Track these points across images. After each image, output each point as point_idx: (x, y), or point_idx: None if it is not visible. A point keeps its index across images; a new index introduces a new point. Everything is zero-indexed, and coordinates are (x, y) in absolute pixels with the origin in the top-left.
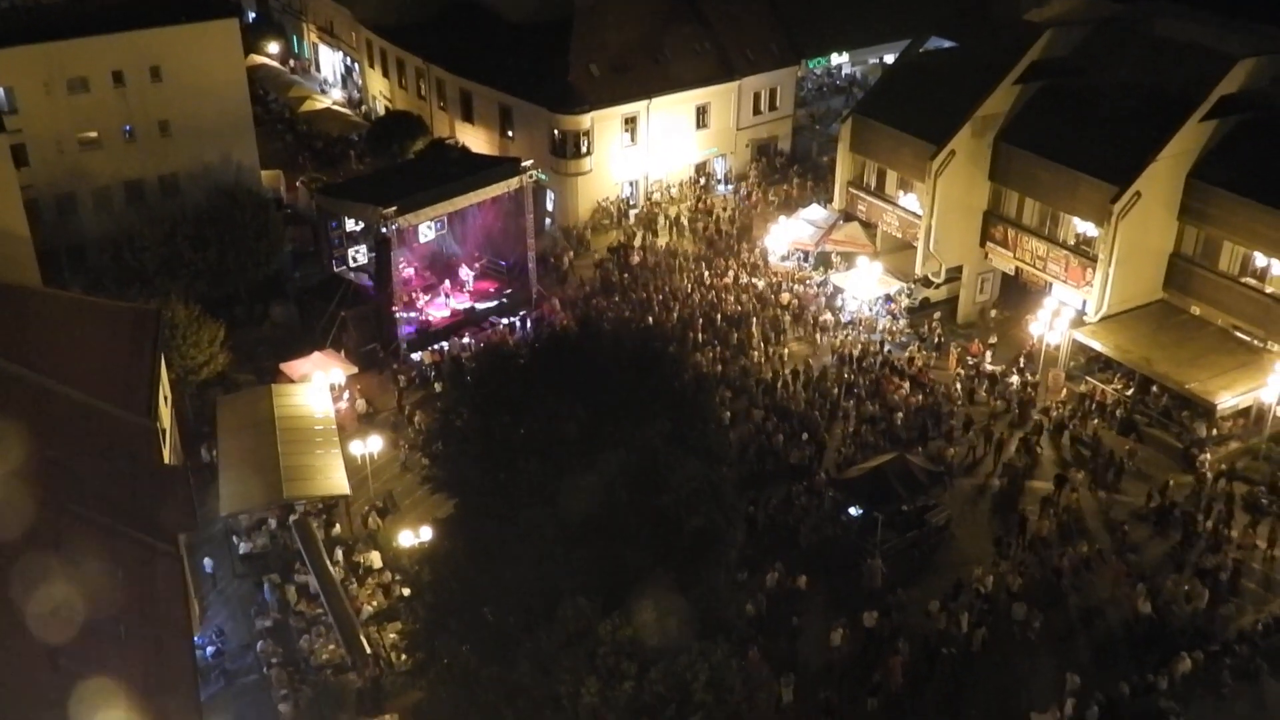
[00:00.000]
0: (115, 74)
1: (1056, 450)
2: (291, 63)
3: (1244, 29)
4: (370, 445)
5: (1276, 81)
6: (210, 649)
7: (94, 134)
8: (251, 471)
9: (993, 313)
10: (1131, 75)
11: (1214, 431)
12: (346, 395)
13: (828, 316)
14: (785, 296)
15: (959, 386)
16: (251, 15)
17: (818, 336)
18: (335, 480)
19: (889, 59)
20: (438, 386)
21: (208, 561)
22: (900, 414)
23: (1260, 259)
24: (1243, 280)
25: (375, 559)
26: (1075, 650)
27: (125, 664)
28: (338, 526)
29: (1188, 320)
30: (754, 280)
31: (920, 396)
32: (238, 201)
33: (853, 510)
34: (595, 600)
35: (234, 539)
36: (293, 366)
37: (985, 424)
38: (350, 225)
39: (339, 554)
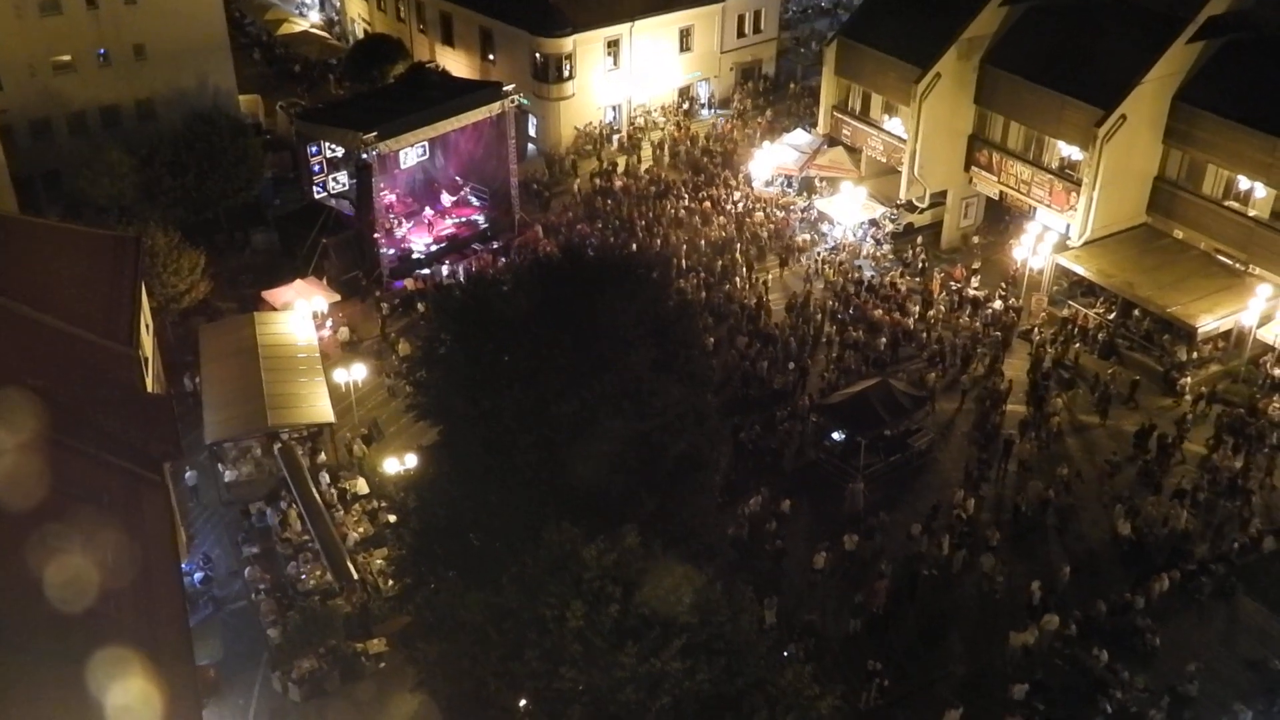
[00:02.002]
0: None
1: (1038, 374)
2: None
3: None
4: (354, 373)
5: (1263, 2)
6: (198, 575)
7: (67, 58)
8: (235, 400)
9: (976, 238)
10: None
11: (1194, 355)
12: (329, 323)
13: (810, 240)
14: (767, 220)
15: (941, 309)
16: None
17: (802, 262)
18: (320, 408)
19: None
20: (420, 307)
21: (194, 489)
22: (884, 338)
23: (1244, 182)
24: (1226, 204)
25: (361, 485)
26: (1053, 572)
27: (113, 591)
28: (323, 454)
29: (1170, 244)
30: (737, 206)
31: (898, 317)
32: (216, 126)
33: (836, 435)
34: (580, 524)
35: (220, 467)
36: (275, 294)
37: (967, 348)
38: (330, 151)
39: (325, 481)
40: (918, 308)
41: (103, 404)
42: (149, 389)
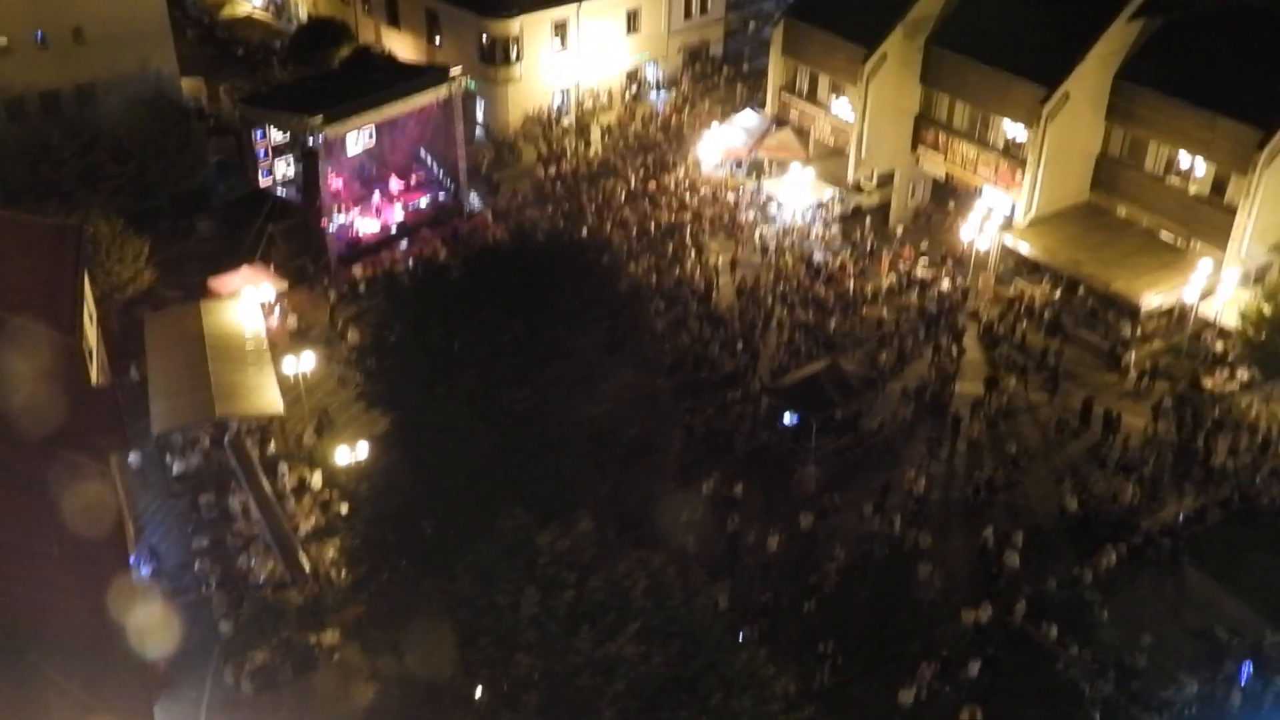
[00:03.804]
0: None
1: (987, 353)
2: None
3: None
4: (303, 362)
5: None
6: (146, 568)
7: (3, 40)
8: (182, 389)
9: (935, 215)
10: None
11: (1139, 331)
12: (278, 311)
13: (759, 222)
14: (715, 203)
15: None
16: None
17: (752, 244)
18: (269, 398)
19: None
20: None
21: (140, 472)
22: (833, 318)
23: (1184, 159)
24: (1167, 180)
25: (315, 477)
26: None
27: (61, 586)
28: (273, 444)
29: (1114, 222)
30: (686, 189)
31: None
32: (159, 111)
33: (787, 417)
34: (534, 510)
35: (167, 458)
36: (221, 282)
37: (916, 328)
38: (276, 136)
39: (282, 471)
40: (867, 286)
41: (46, 395)
42: (94, 379)
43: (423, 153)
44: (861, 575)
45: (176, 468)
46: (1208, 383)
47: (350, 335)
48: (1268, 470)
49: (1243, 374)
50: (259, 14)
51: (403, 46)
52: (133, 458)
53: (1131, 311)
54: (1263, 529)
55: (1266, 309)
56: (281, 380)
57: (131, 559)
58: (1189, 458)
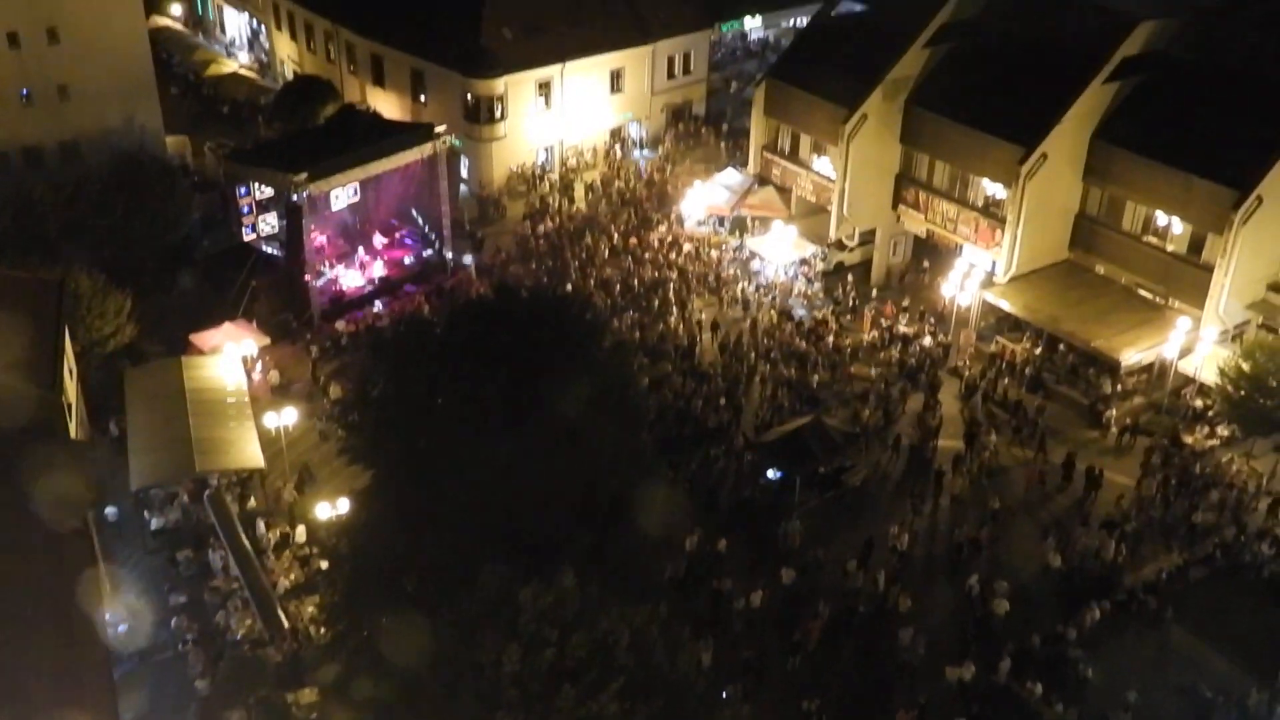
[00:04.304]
0: (10, 35)
1: (968, 409)
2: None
3: None
4: (284, 417)
5: (1176, 42)
6: (122, 626)
7: None
8: (162, 445)
9: (910, 275)
10: (1037, 36)
11: (1119, 388)
12: (259, 366)
13: (742, 279)
14: (698, 259)
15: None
16: None
17: (735, 300)
18: (249, 453)
19: (802, 22)
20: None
21: (116, 525)
22: (816, 374)
23: (1161, 218)
24: (1144, 239)
25: (298, 532)
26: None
27: (35, 643)
28: (253, 500)
29: (1093, 279)
30: (669, 246)
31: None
32: (142, 167)
33: (771, 472)
34: (516, 566)
35: (146, 514)
36: (203, 338)
37: (898, 386)
38: (260, 192)
39: (260, 527)
40: (850, 342)
41: (23, 451)
42: (72, 435)
43: (408, 209)
44: (845, 632)
45: (155, 523)
46: (1188, 439)
47: (332, 390)
48: (1250, 527)
49: (1223, 430)
50: (245, 71)
51: (388, 105)
52: (110, 512)
53: (1111, 368)
54: (1246, 585)
55: (1246, 366)
56: (262, 435)
57: (107, 616)
58: (1171, 514)
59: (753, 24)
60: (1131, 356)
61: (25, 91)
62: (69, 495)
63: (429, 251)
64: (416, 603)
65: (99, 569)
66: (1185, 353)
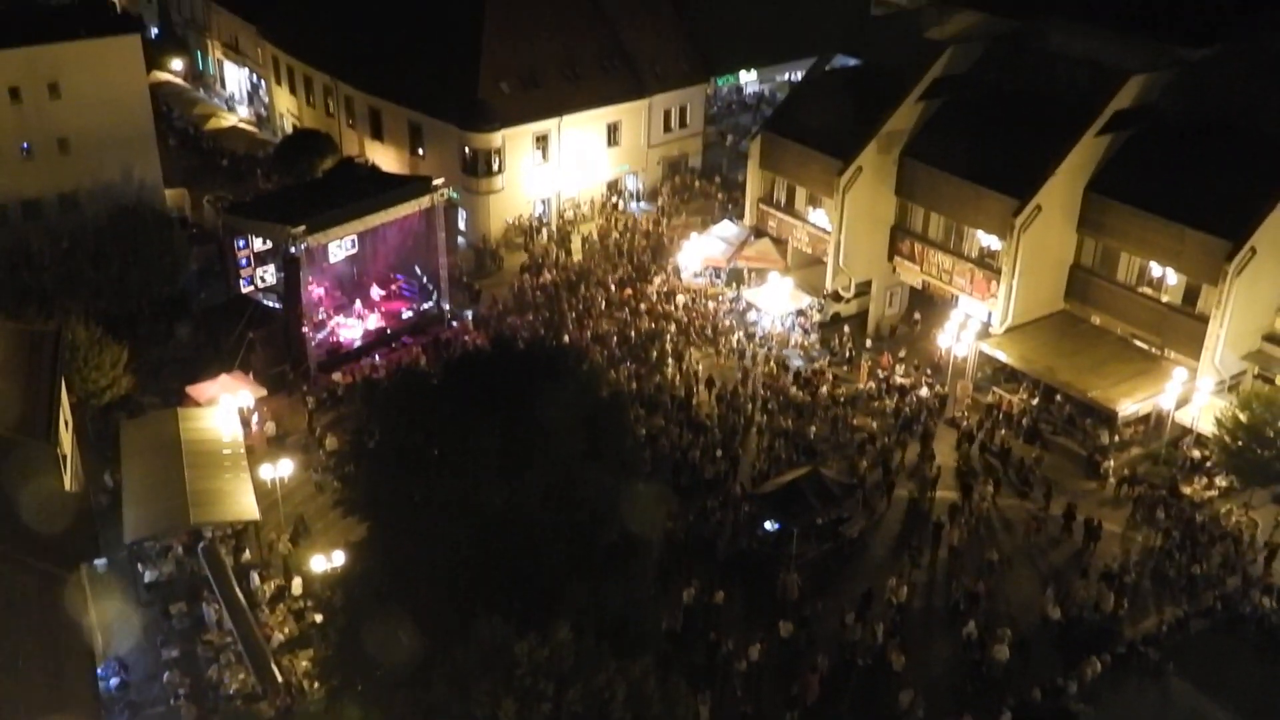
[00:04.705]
0: (12, 90)
1: (965, 460)
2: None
3: (1135, 43)
4: (280, 468)
5: (1166, 95)
6: (114, 680)
7: None
8: (156, 497)
9: (901, 327)
10: (1030, 90)
11: (1116, 438)
12: (256, 417)
13: (739, 330)
14: (695, 311)
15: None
16: (154, 31)
17: (732, 351)
18: (244, 505)
19: (796, 76)
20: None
21: (111, 588)
22: (813, 427)
23: (1155, 268)
24: (1139, 290)
25: (293, 585)
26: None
27: (25, 697)
28: (247, 552)
29: (1089, 330)
30: (666, 297)
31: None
32: (140, 219)
33: (768, 524)
34: (511, 618)
35: (139, 566)
36: (199, 389)
37: (895, 436)
38: (258, 244)
39: (254, 579)
40: (847, 392)
41: (18, 502)
42: (67, 486)
43: (405, 261)
44: (844, 686)
45: (148, 576)
46: (1187, 490)
47: (328, 441)
48: (1250, 578)
49: (1221, 481)
50: (244, 125)
51: (386, 158)
52: (99, 564)
53: (1108, 418)
54: (1246, 637)
55: (1243, 416)
56: (258, 486)
57: (99, 669)
58: (1171, 566)
59: (748, 78)
60: (1128, 407)
61: (25, 145)
62: (62, 548)
63: (427, 304)
64: (411, 656)
65: (91, 622)
66: (1182, 403)
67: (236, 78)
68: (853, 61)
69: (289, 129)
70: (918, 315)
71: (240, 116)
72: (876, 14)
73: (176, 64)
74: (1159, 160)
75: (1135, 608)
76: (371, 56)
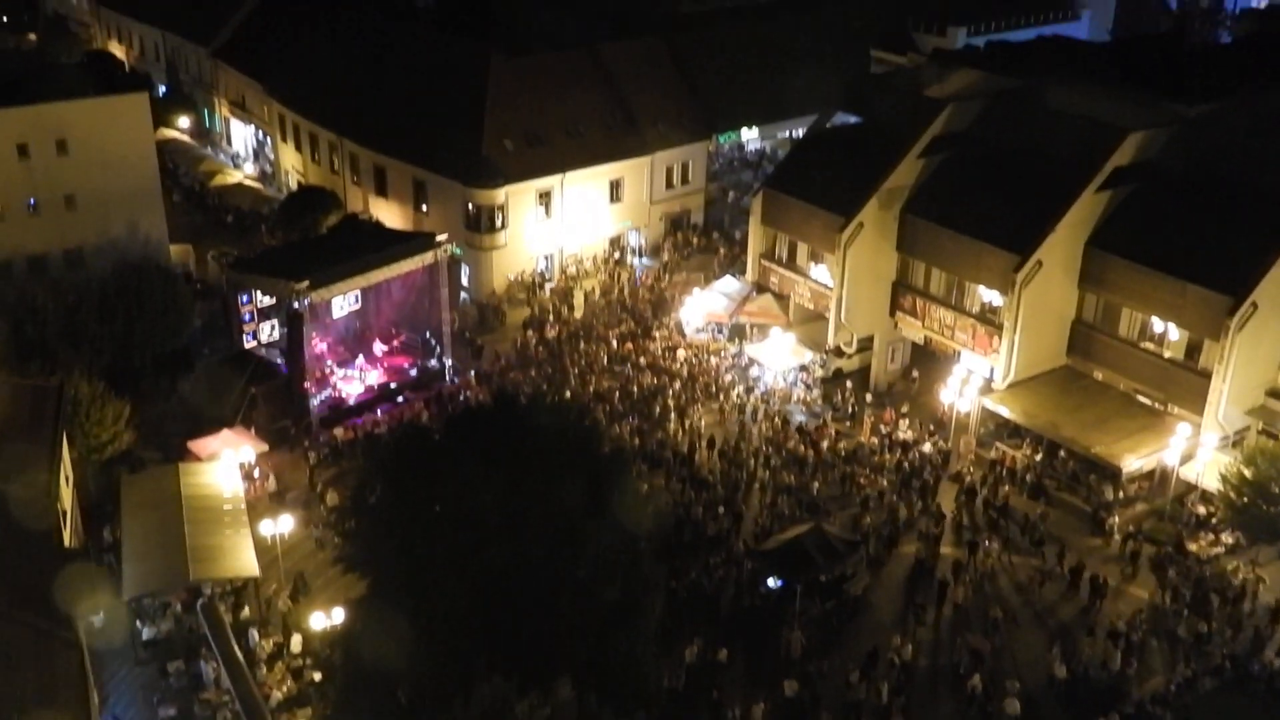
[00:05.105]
0: (20, 147)
1: (969, 516)
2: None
3: (1133, 100)
4: (280, 524)
5: (1166, 151)
6: None
7: None
8: (156, 553)
9: (899, 383)
10: (1029, 147)
11: (1121, 494)
12: (257, 473)
13: (741, 385)
14: (697, 366)
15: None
16: (162, 89)
17: (734, 407)
18: (244, 561)
19: (797, 133)
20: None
21: (108, 645)
22: (815, 481)
23: (1157, 324)
24: (1141, 345)
25: (292, 642)
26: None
27: None
28: (246, 609)
29: (1091, 385)
30: (668, 353)
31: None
32: (145, 275)
33: (771, 581)
34: (512, 677)
35: (138, 623)
36: (201, 444)
37: (898, 491)
38: (262, 300)
39: (253, 637)
40: (850, 448)
41: (16, 558)
42: (66, 542)
43: (408, 316)
44: None
45: (146, 633)
46: (1193, 546)
47: (329, 497)
48: (1258, 636)
49: (1227, 538)
50: (249, 182)
51: (390, 214)
52: (100, 621)
53: (1113, 474)
54: (1256, 696)
55: (1248, 472)
56: (258, 542)
57: None
58: (1180, 623)
59: (749, 135)
60: (1132, 463)
61: (32, 201)
62: (60, 604)
63: (428, 358)
64: (411, 716)
65: (88, 679)
66: (1186, 459)
67: (243, 135)
68: (853, 119)
69: (294, 185)
70: (915, 372)
71: (246, 173)
72: (876, 71)
73: (183, 121)
74: (1159, 216)
75: (1143, 666)
76: (377, 114)
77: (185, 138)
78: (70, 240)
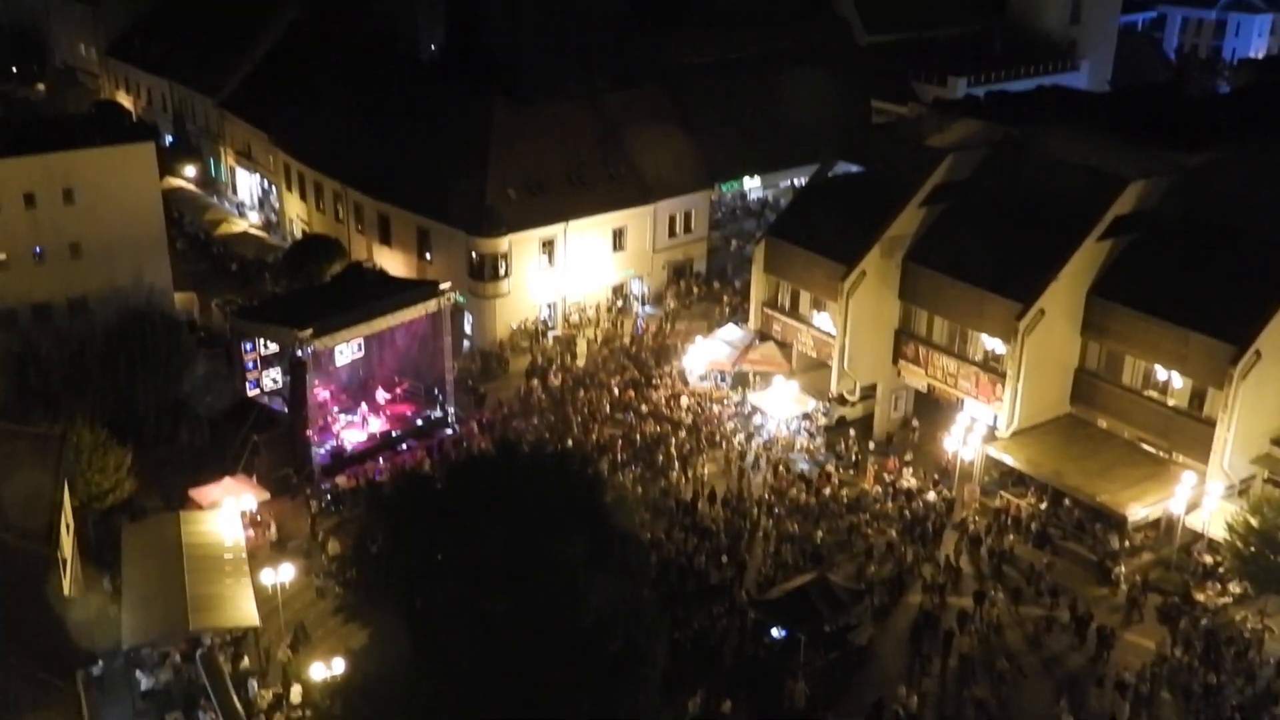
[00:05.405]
0: (27, 196)
1: (974, 565)
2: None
3: (1132, 149)
4: (281, 573)
5: (1166, 200)
6: None
7: (2, 256)
8: (156, 602)
9: (899, 432)
10: (1030, 196)
11: (1126, 543)
12: (258, 521)
13: (744, 433)
14: (700, 415)
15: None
16: (169, 138)
17: (737, 455)
18: (244, 611)
19: (799, 182)
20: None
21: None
22: (819, 530)
23: (1161, 372)
24: (1145, 393)
25: (292, 693)
26: None
27: None
28: (246, 659)
29: (1095, 433)
30: (671, 401)
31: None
32: (149, 323)
33: (775, 631)
34: None
35: (137, 673)
36: (202, 493)
37: (903, 541)
38: (266, 348)
39: (252, 687)
40: (853, 497)
41: (15, 607)
42: (66, 591)
43: (411, 364)
44: None
45: (145, 683)
46: (1200, 596)
47: (331, 546)
48: (1270, 688)
49: (1235, 587)
50: (254, 230)
51: (394, 262)
52: (99, 671)
53: (1118, 523)
54: None
55: (1254, 521)
56: (258, 591)
57: None
58: (1189, 675)
59: (752, 184)
60: (1138, 512)
61: (38, 249)
62: (59, 654)
63: (430, 406)
64: None
65: None
66: (1192, 508)
67: (248, 184)
68: (854, 168)
69: (298, 234)
70: (915, 421)
71: (251, 222)
72: (877, 121)
73: (189, 170)
74: (1161, 264)
75: (1152, 718)
76: (381, 163)
77: (191, 186)
78: (75, 288)
